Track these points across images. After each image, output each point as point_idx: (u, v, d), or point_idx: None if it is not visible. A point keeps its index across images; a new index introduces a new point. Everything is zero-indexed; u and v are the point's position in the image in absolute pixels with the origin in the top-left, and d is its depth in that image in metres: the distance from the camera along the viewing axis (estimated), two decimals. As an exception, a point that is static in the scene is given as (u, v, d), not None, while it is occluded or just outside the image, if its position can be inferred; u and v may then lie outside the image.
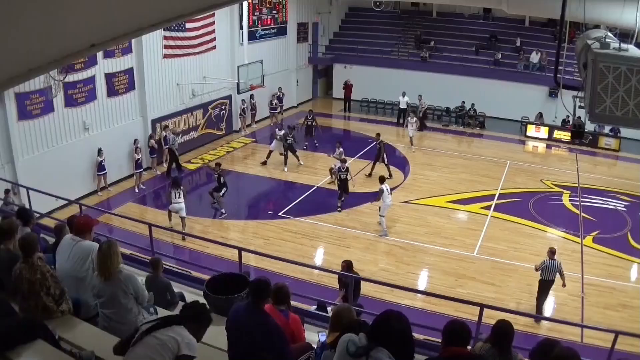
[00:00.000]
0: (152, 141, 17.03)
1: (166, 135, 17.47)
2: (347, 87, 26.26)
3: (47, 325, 4.03)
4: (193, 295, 6.39)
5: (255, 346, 3.90)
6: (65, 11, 2.08)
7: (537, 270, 10.28)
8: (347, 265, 8.94)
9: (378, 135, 17.59)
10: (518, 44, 25.21)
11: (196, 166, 18.58)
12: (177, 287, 6.53)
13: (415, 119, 21.03)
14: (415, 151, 20.32)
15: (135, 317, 4.50)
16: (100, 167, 15.25)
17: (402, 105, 23.94)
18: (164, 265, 6.72)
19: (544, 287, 10.30)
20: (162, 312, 5.22)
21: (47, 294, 4.34)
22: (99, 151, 15.11)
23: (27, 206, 9.74)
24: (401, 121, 24.03)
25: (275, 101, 23.59)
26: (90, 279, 4.69)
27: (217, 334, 4.81)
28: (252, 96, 21.90)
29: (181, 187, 13.32)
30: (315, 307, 7.63)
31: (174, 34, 17.89)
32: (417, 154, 18.35)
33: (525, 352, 5.95)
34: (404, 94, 23.79)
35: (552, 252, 10.23)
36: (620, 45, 4.43)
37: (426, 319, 8.95)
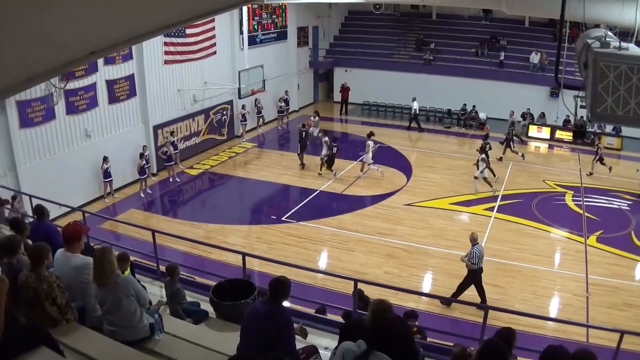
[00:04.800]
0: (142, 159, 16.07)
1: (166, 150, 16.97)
2: (344, 90, 26.31)
3: (50, 332, 4.01)
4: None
5: (265, 334, 3.99)
6: (65, 19, 2.09)
7: None
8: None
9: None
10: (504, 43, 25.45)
11: (198, 172, 18.59)
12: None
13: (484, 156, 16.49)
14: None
15: (139, 321, 4.49)
16: (106, 174, 15.28)
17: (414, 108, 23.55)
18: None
19: None
20: (168, 319, 5.20)
21: (53, 304, 4.31)
22: (105, 158, 15.13)
23: (30, 213, 9.74)
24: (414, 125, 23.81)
25: (282, 104, 23.63)
26: (89, 290, 4.70)
27: (222, 340, 4.81)
28: (257, 100, 21.95)
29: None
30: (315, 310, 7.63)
31: (174, 39, 17.95)
32: (419, 156, 18.19)
33: (525, 351, 5.95)
34: (413, 99, 23.44)
35: None
36: (620, 44, 4.43)
37: (431, 321, 8.92)
